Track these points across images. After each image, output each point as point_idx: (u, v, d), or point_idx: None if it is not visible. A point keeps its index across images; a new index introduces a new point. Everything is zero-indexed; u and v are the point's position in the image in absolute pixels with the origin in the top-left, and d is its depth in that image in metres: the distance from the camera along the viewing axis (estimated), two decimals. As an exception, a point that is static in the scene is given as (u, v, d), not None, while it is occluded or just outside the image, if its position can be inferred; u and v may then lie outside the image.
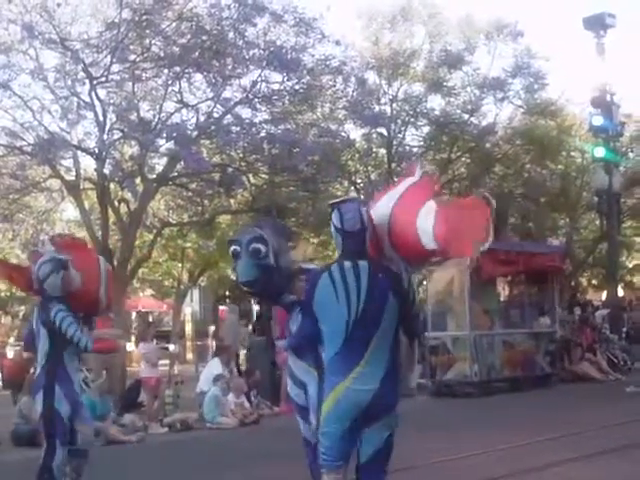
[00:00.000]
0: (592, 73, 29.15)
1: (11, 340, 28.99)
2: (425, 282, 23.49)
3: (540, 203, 31.46)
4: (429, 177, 7.49)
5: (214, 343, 31.33)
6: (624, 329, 29.62)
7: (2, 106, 21.74)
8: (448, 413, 18.17)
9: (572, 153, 32.86)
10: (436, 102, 28.40)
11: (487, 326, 21.98)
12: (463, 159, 29.55)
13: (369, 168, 28.07)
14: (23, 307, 42.77)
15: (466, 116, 27.92)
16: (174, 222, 27.92)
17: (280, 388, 18.24)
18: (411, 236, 6.41)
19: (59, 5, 21.19)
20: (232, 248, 7.75)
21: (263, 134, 22.52)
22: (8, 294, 45.16)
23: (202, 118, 22.02)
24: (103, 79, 21.20)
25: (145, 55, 21.30)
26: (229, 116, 21.97)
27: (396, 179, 26.77)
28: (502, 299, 24.47)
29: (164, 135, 21.27)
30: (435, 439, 13.37)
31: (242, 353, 23.99)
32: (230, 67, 21.92)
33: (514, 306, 23.90)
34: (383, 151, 27.96)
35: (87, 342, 8.65)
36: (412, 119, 27.87)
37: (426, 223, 6.35)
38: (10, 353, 26.87)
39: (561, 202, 32.14)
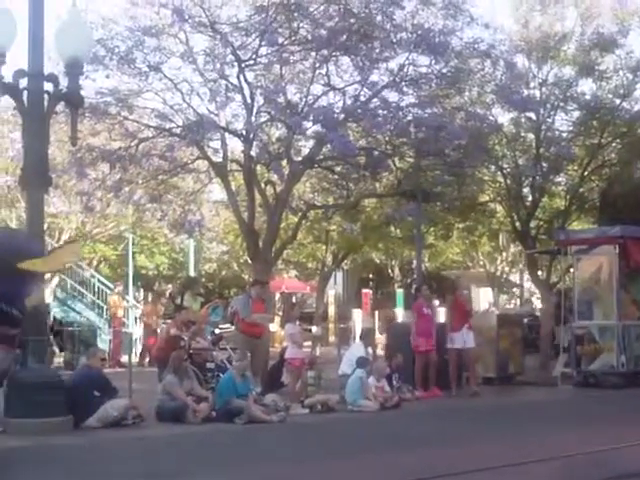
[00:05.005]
0: None
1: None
2: (572, 269, 23.07)
3: (693, 191, 30.50)
4: None
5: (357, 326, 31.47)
6: None
7: (153, 88, 22.21)
8: (589, 404, 17.87)
9: None
10: (587, 86, 27.74)
11: (635, 316, 21.49)
12: (614, 145, 28.78)
13: (517, 153, 27.59)
14: (170, 285, 43.66)
15: (618, 101, 27.20)
16: (319, 205, 28.00)
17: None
18: None
19: (210, -11, 21.49)
20: None
21: (410, 118, 22.36)
22: (155, 273, 46.26)
23: (349, 101, 22.01)
24: (251, 62, 21.42)
25: (293, 38, 21.40)
26: (376, 99, 21.89)
27: (544, 164, 26.38)
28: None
29: (311, 118, 21.35)
30: (569, 431, 13.12)
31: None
32: (377, 50, 21.83)
33: (664, 296, 23.27)
34: (531, 136, 27.44)
35: None
36: (562, 103, 27.26)
37: None
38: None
39: None
